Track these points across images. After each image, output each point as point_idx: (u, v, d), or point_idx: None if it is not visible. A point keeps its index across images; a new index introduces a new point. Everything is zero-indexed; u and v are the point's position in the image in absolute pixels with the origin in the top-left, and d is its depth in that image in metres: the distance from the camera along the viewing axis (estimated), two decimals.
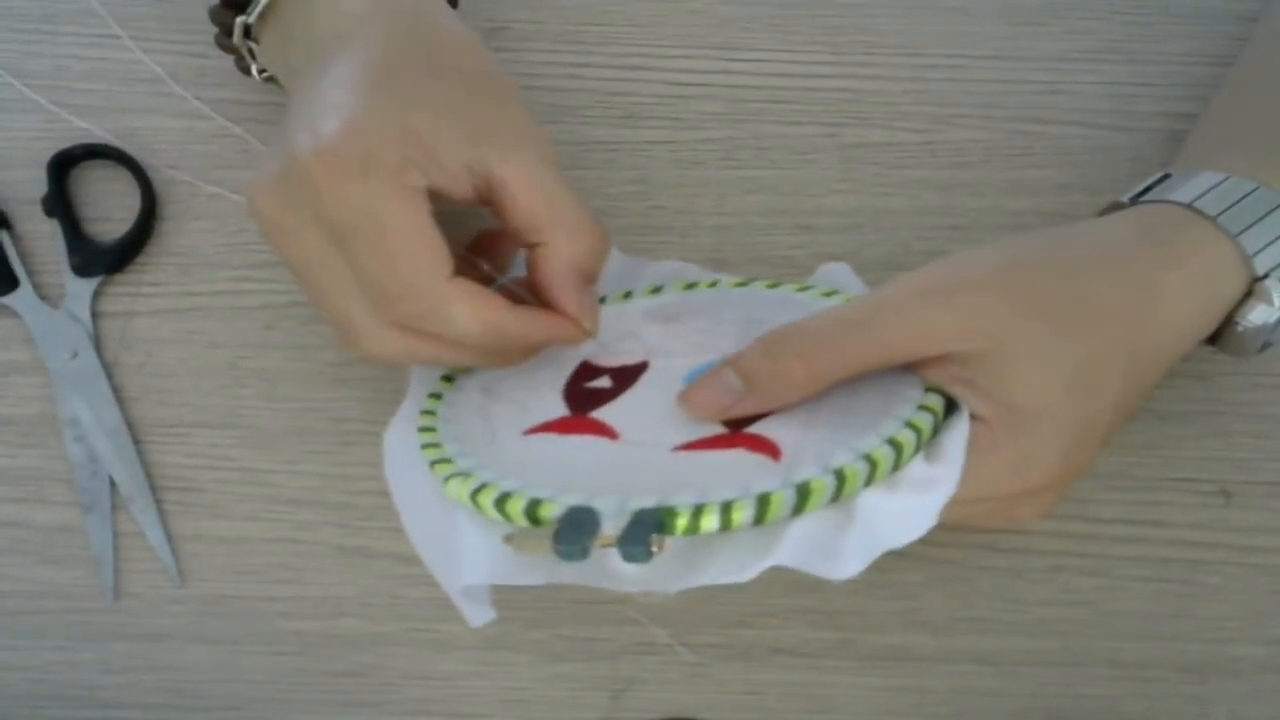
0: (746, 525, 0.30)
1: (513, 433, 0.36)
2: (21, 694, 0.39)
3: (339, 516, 0.41)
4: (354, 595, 0.40)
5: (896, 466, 0.31)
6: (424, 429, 0.37)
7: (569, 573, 0.31)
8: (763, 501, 0.30)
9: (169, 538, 0.41)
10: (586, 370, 0.38)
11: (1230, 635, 0.39)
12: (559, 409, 0.36)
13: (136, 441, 0.42)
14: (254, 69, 0.44)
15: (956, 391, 0.33)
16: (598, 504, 0.31)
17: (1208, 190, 0.36)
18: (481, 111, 0.35)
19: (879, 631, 0.39)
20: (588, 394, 0.37)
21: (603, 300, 0.41)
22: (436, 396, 0.38)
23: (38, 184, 0.46)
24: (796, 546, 0.30)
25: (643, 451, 0.34)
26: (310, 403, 0.43)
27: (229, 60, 0.45)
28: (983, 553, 0.40)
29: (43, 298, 0.44)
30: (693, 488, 0.31)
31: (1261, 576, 0.40)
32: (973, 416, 0.33)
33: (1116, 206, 0.39)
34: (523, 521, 0.32)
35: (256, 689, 0.39)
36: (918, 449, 0.32)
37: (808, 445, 0.32)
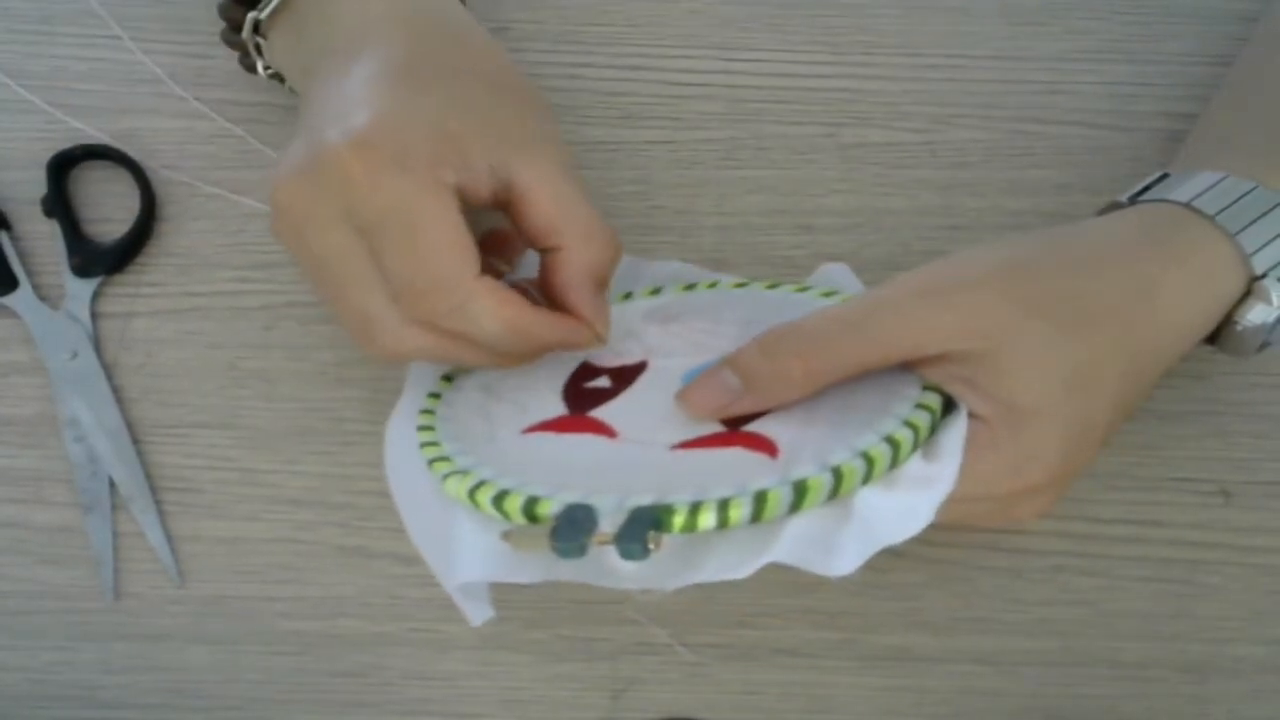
0: (744, 523, 0.30)
1: (511, 431, 0.36)
2: (21, 694, 0.39)
3: (339, 516, 0.41)
4: (354, 595, 0.40)
5: (894, 464, 0.31)
6: (423, 428, 0.37)
7: (566, 570, 0.31)
8: (760, 499, 0.30)
9: (169, 538, 0.41)
10: (586, 370, 0.38)
11: (1230, 635, 0.39)
12: (558, 408, 0.37)
13: (136, 442, 0.42)
14: (259, 66, 0.44)
15: (955, 390, 0.33)
16: (595, 502, 0.31)
17: (1206, 189, 0.36)
18: (506, 114, 0.36)
19: (879, 631, 0.39)
20: (587, 393, 0.37)
21: None
22: (435, 396, 0.38)
23: (37, 184, 0.46)
24: (794, 544, 0.30)
25: (641, 450, 0.34)
26: (310, 403, 0.43)
27: (229, 61, 0.45)
28: (983, 553, 0.40)
29: (42, 298, 0.44)
30: (690, 486, 0.31)
31: (1261, 576, 0.40)
32: (972, 415, 0.33)
33: (1115, 206, 0.39)
34: (520, 519, 0.32)
35: (256, 689, 0.39)
36: (915, 447, 0.32)
37: (805, 443, 0.32)
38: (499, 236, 0.39)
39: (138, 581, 0.40)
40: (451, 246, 0.33)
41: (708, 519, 0.30)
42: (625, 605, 0.39)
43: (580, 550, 0.30)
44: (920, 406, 0.33)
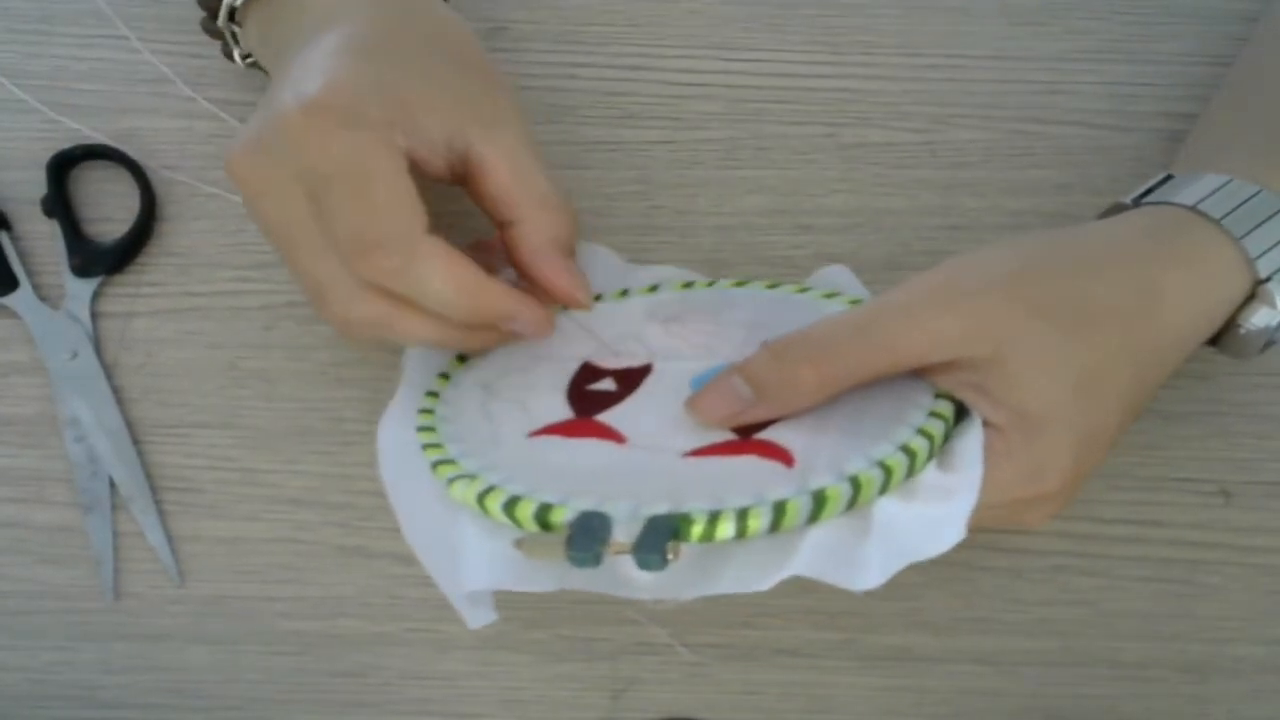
0: (762, 533, 0.30)
1: (517, 435, 0.35)
2: (21, 694, 0.39)
3: (339, 516, 0.41)
4: (354, 595, 0.40)
5: (910, 473, 0.31)
6: (424, 428, 0.36)
7: (579, 579, 0.31)
8: (779, 509, 0.30)
9: (169, 538, 0.41)
10: (589, 372, 0.38)
11: (1230, 635, 0.39)
12: (563, 411, 0.36)
13: (136, 442, 0.42)
14: (236, 54, 0.44)
15: (968, 398, 0.33)
16: (609, 509, 0.30)
17: (1212, 192, 0.36)
18: (466, 89, 0.36)
19: (880, 631, 0.39)
20: (592, 396, 0.37)
21: (599, 298, 0.41)
22: (434, 395, 0.38)
23: (37, 184, 0.46)
24: (814, 556, 0.30)
25: (651, 456, 0.34)
26: (310, 403, 0.43)
27: (229, 61, 0.45)
28: (983, 553, 0.40)
29: (43, 298, 0.44)
30: (705, 494, 0.31)
31: (1261, 576, 0.40)
32: (985, 424, 0.33)
33: (1119, 208, 0.39)
34: (533, 526, 0.31)
35: (256, 689, 0.39)
36: (930, 456, 0.32)
37: (820, 452, 0.32)
38: (481, 247, 0.39)
39: (138, 581, 0.40)
40: (399, 203, 0.33)
41: (726, 529, 0.30)
42: (626, 606, 0.39)
43: (596, 559, 0.29)
44: (934, 415, 0.33)
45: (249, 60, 0.44)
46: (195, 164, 0.46)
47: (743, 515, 0.30)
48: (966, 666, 0.39)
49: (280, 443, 0.42)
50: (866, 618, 0.40)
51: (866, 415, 0.33)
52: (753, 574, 0.31)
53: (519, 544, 0.31)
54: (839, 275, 0.41)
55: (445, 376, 0.39)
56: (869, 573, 0.30)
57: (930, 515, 0.31)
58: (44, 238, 0.46)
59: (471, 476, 0.33)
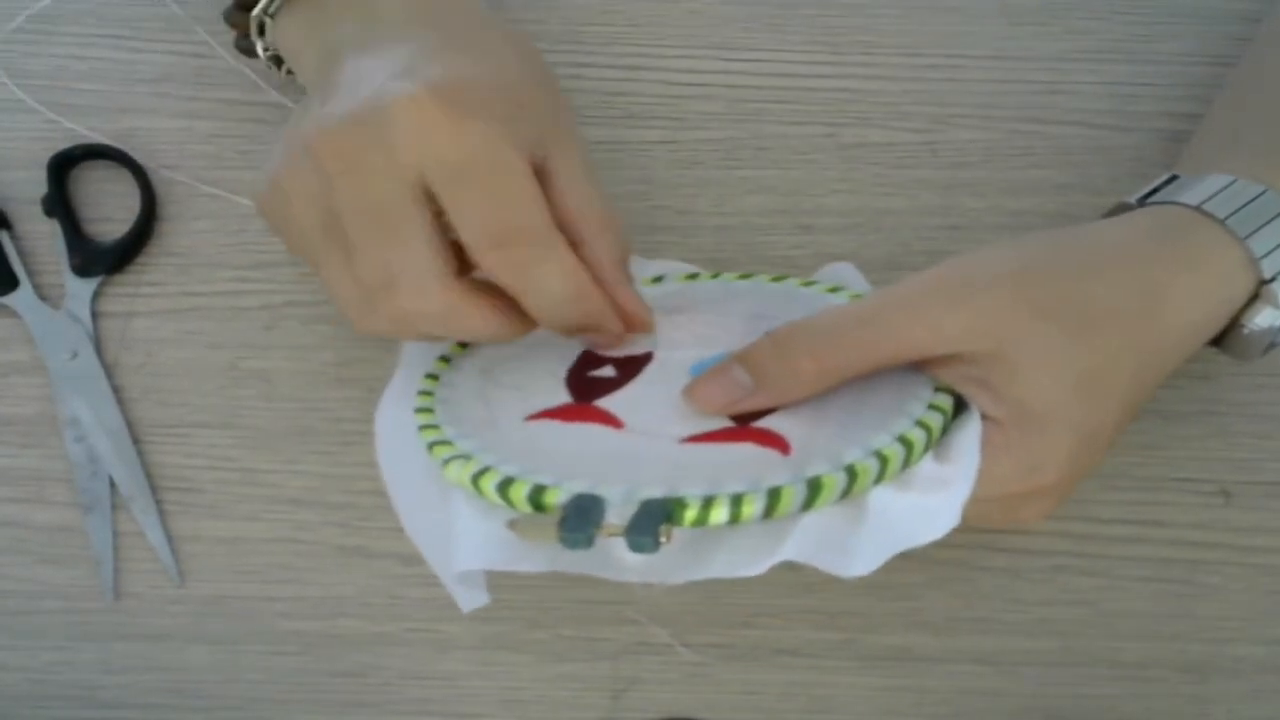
0: (756, 518, 0.30)
1: (514, 418, 0.35)
2: (21, 694, 0.39)
3: (339, 516, 0.41)
4: (354, 595, 0.40)
5: (906, 464, 0.31)
6: (421, 409, 0.36)
7: (570, 561, 0.31)
8: (773, 495, 0.30)
9: (169, 538, 0.41)
10: (589, 359, 0.38)
11: (1230, 635, 0.39)
12: (562, 396, 0.36)
13: (136, 441, 0.42)
14: (259, 46, 0.43)
15: (968, 391, 0.33)
16: (603, 492, 0.30)
17: (1217, 192, 0.36)
18: (546, 101, 0.36)
19: (880, 631, 0.39)
20: (591, 382, 0.37)
21: None
22: (433, 377, 0.38)
23: (37, 184, 0.46)
24: (806, 541, 0.30)
25: (648, 442, 0.34)
26: (310, 403, 0.43)
27: (229, 61, 0.45)
28: (983, 553, 0.40)
29: (43, 298, 0.44)
30: (701, 479, 0.31)
31: (1261, 576, 0.40)
32: (984, 417, 0.33)
33: (1124, 207, 0.39)
34: (526, 507, 0.31)
35: (256, 689, 0.39)
36: (927, 448, 0.32)
37: (817, 441, 0.32)
38: None
39: (138, 581, 0.40)
40: (537, 195, 0.33)
41: (720, 513, 0.30)
42: (627, 606, 0.39)
43: (588, 541, 0.29)
44: (933, 407, 0.33)
45: (269, 54, 0.44)
46: (195, 164, 0.46)
47: (737, 501, 0.30)
48: (966, 666, 0.39)
49: (280, 443, 0.42)
50: (866, 618, 0.40)
51: (865, 406, 0.33)
52: (744, 559, 0.31)
53: (512, 525, 0.31)
54: (844, 271, 0.41)
55: (445, 359, 0.39)
56: (861, 560, 0.30)
57: (925, 504, 0.31)
58: (44, 237, 0.46)
59: (467, 457, 0.33)
